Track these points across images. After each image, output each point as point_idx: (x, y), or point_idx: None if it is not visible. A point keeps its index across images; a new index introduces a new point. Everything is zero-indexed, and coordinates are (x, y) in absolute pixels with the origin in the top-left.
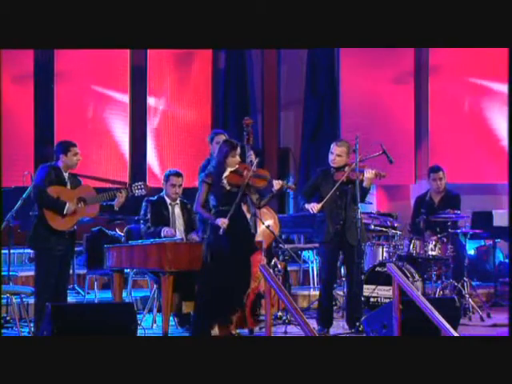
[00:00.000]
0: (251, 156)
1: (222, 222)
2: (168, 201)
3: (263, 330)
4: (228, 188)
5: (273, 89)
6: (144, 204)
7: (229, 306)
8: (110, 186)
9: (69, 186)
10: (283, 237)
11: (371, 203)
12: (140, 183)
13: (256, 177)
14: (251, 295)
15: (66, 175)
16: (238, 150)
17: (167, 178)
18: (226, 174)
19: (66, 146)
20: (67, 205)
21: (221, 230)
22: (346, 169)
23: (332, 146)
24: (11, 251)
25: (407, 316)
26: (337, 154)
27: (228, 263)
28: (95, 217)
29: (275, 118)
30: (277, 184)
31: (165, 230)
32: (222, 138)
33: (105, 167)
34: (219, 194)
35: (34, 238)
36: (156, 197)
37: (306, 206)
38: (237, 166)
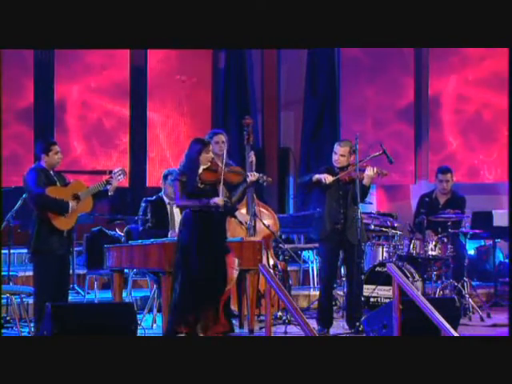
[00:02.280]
0: (251, 156)
1: (219, 200)
2: (166, 200)
3: (263, 330)
4: (201, 186)
5: (273, 89)
6: (143, 204)
7: (199, 304)
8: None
9: (58, 185)
10: (283, 237)
11: (371, 203)
12: (118, 170)
13: (231, 172)
14: (224, 297)
15: (52, 174)
16: (210, 147)
17: (166, 177)
18: (199, 171)
19: (47, 146)
20: (70, 204)
21: (217, 207)
22: (349, 168)
23: (335, 146)
24: (11, 251)
25: (407, 316)
26: (340, 154)
27: (198, 259)
28: (90, 211)
29: (275, 118)
30: (252, 176)
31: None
32: (221, 137)
33: (105, 166)
34: (193, 192)
35: (36, 240)
36: (154, 197)
37: (318, 175)
38: (208, 164)
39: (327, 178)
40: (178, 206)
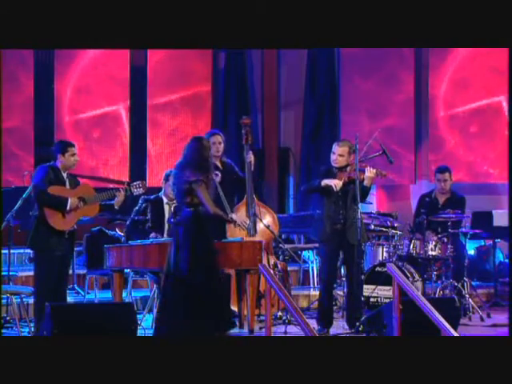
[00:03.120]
0: (250, 156)
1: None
2: (165, 200)
3: (263, 330)
4: None
5: (273, 89)
6: (143, 204)
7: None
8: (108, 185)
9: (68, 186)
10: (283, 237)
11: (371, 203)
12: (138, 182)
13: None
14: None
15: (64, 175)
16: None
17: (167, 178)
18: None
19: (64, 146)
20: (69, 200)
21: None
22: (348, 168)
23: (334, 146)
24: (11, 251)
25: (407, 316)
26: (339, 154)
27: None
28: (95, 216)
29: (275, 118)
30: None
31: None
32: (218, 138)
33: (105, 166)
34: None
35: (34, 238)
36: (153, 196)
37: (327, 181)
38: None
39: (338, 185)
40: (209, 215)
